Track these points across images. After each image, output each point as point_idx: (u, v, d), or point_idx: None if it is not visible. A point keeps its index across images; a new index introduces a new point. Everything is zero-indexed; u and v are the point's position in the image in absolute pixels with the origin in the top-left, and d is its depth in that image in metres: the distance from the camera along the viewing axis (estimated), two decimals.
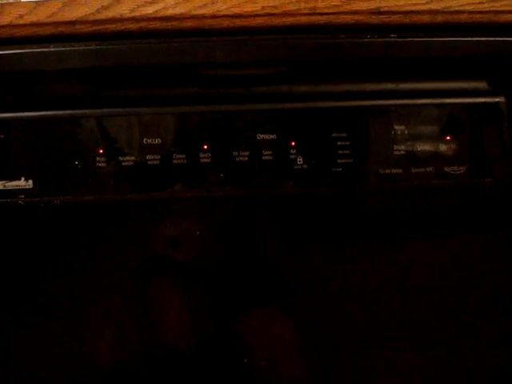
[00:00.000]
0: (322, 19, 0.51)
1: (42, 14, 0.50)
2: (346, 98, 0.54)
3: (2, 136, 0.52)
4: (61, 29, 0.51)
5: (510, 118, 0.54)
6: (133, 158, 0.52)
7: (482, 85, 0.55)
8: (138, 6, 0.50)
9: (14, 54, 0.51)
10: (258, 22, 0.51)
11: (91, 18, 0.50)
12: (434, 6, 0.52)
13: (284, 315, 0.60)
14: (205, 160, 0.53)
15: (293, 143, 0.53)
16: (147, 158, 0.52)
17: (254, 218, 0.57)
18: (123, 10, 0.50)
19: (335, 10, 0.51)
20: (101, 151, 0.52)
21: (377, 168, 0.54)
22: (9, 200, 0.53)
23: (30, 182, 0.52)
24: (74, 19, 0.50)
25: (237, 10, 0.50)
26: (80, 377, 0.59)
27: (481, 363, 0.60)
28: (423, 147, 0.54)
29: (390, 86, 0.54)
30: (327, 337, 0.59)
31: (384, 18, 0.51)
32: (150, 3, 0.50)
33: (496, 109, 0.54)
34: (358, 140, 0.53)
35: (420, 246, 0.58)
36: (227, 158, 0.53)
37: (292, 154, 0.53)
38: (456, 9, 0.52)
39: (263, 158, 0.53)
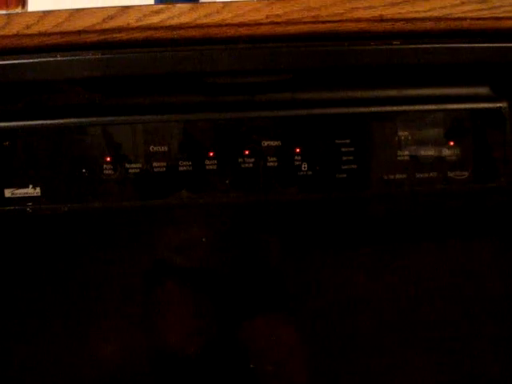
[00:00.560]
0: (326, 27, 0.51)
1: (49, 24, 0.51)
2: (349, 104, 0.54)
3: (10, 144, 0.52)
4: (67, 38, 0.51)
5: None
6: (139, 166, 0.53)
7: (484, 90, 0.55)
8: (144, 16, 0.51)
9: (22, 63, 0.52)
10: (263, 30, 0.51)
11: (98, 27, 0.51)
12: (436, 13, 0.52)
13: (289, 320, 0.60)
14: (210, 167, 0.53)
15: (297, 150, 0.53)
16: (153, 165, 0.53)
17: (260, 224, 0.58)
18: (129, 19, 0.51)
19: (338, 18, 0.51)
20: (108, 159, 0.53)
21: (381, 174, 0.54)
22: (17, 207, 0.53)
23: (38, 189, 0.53)
24: (80, 29, 0.51)
25: (241, 19, 0.51)
26: (86, 381, 0.59)
27: (486, 368, 0.60)
28: (427, 153, 0.54)
29: (393, 92, 0.55)
30: (332, 342, 0.59)
31: (387, 26, 0.52)
32: (156, 13, 0.51)
33: (499, 114, 0.55)
34: (361, 146, 0.54)
35: (425, 251, 0.58)
36: (233, 165, 0.53)
37: (297, 160, 0.53)
38: (458, 15, 0.52)
39: (268, 164, 0.53)
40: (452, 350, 0.60)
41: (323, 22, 0.51)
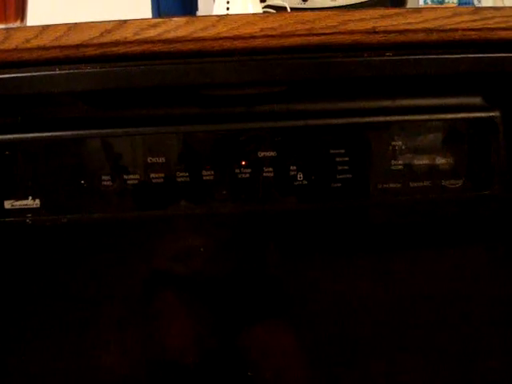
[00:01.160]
0: (319, 39, 0.52)
1: (48, 38, 0.51)
2: (343, 115, 0.54)
3: (10, 156, 0.53)
4: (66, 52, 0.52)
5: (506, 132, 0.55)
6: (137, 177, 0.53)
7: (477, 100, 0.56)
8: (141, 30, 0.51)
9: (21, 77, 0.52)
10: (257, 43, 0.52)
11: (96, 41, 0.51)
12: (428, 25, 0.53)
13: (288, 328, 0.61)
14: (208, 177, 0.54)
15: (293, 160, 0.54)
16: (151, 176, 0.53)
17: (257, 233, 0.58)
18: (127, 33, 0.51)
19: (332, 31, 0.52)
20: (106, 170, 0.53)
21: (375, 183, 0.55)
22: (16, 219, 0.53)
23: (38, 201, 0.53)
24: (78, 43, 0.51)
25: (236, 32, 0.51)
26: None
27: (484, 373, 0.61)
28: (420, 162, 0.55)
29: (386, 102, 0.55)
30: (332, 349, 0.60)
31: (380, 38, 0.52)
32: (153, 26, 0.51)
33: (491, 123, 0.55)
34: (356, 156, 0.54)
35: (420, 259, 0.59)
36: (229, 176, 0.54)
37: (292, 170, 0.54)
38: (450, 27, 0.53)
39: (264, 174, 0.54)
40: (450, 355, 0.60)
41: (317, 35, 0.52)
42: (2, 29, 0.52)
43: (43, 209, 0.53)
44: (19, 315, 0.57)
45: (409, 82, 0.55)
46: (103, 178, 0.53)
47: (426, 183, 0.55)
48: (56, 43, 0.52)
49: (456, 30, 0.53)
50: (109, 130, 0.53)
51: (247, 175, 0.54)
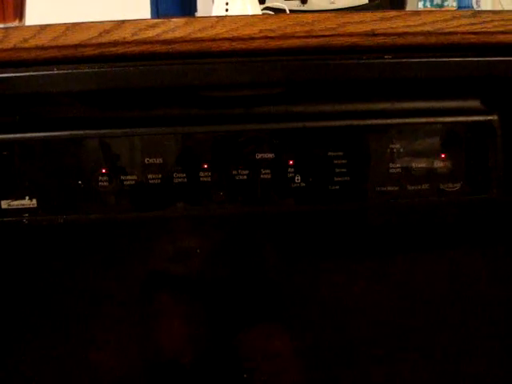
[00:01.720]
0: (318, 42, 0.52)
1: (46, 38, 0.51)
2: (341, 117, 0.54)
3: (7, 156, 0.53)
4: (64, 52, 0.52)
5: (503, 135, 0.55)
6: (135, 178, 0.53)
7: (475, 103, 0.56)
8: (140, 30, 0.51)
9: (19, 76, 0.52)
10: (256, 44, 0.52)
11: (94, 41, 0.51)
12: (427, 28, 0.53)
13: (284, 331, 0.61)
14: (205, 179, 0.54)
15: (291, 162, 0.54)
16: (149, 177, 0.53)
17: (254, 235, 0.58)
18: (125, 33, 0.51)
19: (331, 33, 0.52)
20: (103, 171, 0.53)
21: (373, 186, 0.55)
22: (13, 219, 0.53)
23: (34, 201, 0.53)
24: (77, 43, 0.51)
25: (235, 33, 0.51)
26: None
27: (483, 376, 0.61)
28: (418, 165, 0.55)
29: (384, 105, 0.55)
30: (327, 353, 0.60)
31: (379, 40, 0.52)
32: (152, 27, 0.51)
33: (489, 127, 0.55)
34: (354, 158, 0.54)
35: (419, 261, 0.59)
36: (227, 177, 0.54)
37: (290, 172, 0.54)
38: (449, 30, 0.53)
39: (262, 176, 0.54)
40: (449, 357, 0.60)
41: (316, 37, 0.52)
42: (1, 28, 0.52)
43: (40, 209, 0.53)
44: (16, 315, 0.57)
45: (407, 84, 0.55)
46: (100, 178, 0.53)
47: (424, 186, 0.55)
48: (54, 43, 0.52)
49: (455, 33, 0.53)
50: (106, 131, 0.53)
51: (245, 177, 0.54)
